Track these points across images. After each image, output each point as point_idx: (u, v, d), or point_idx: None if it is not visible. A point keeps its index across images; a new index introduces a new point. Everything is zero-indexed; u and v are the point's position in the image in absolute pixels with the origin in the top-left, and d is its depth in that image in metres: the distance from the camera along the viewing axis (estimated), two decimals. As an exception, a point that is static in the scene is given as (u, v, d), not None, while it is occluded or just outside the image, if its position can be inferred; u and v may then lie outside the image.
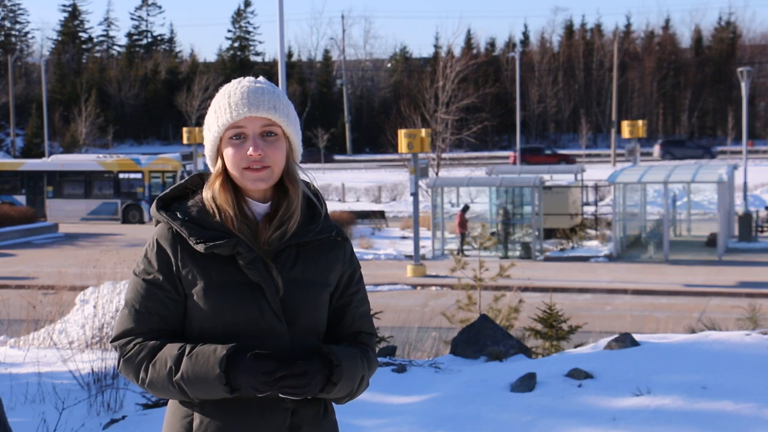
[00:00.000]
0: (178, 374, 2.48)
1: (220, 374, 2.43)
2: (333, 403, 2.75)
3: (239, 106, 2.58)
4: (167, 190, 2.69)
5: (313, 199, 2.71)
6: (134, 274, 2.63)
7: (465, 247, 27.80)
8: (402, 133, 25.95)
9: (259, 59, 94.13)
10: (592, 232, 32.04)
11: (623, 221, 28.86)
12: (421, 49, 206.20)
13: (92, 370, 7.53)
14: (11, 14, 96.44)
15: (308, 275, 2.63)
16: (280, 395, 2.49)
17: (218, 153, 2.64)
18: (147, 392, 4.51)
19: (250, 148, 2.56)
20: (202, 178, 2.72)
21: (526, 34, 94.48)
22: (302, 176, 2.71)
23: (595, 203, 36.71)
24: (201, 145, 26.52)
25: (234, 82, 2.67)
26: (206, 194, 2.62)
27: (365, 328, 2.76)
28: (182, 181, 2.73)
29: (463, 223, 28.35)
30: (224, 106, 2.60)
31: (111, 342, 2.64)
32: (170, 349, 2.51)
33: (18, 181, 39.93)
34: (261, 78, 2.69)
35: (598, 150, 76.87)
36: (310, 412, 2.62)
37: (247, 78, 2.68)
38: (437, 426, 6.01)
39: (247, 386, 2.44)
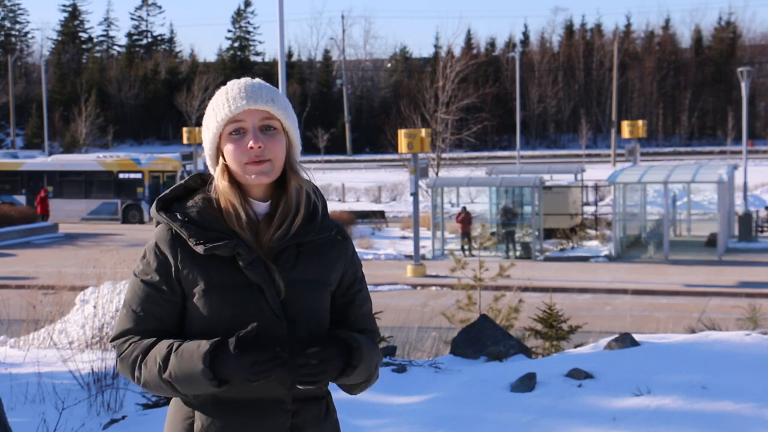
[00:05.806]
0: (167, 372, 2.48)
1: (204, 369, 2.42)
2: (335, 401, 2.74)
3: (237, 99, 2.57)
4: (167, 191, 2.67)
5: (313, 197, 2.69)
6: (134, 274, 2.63)
7: (466, 246, 27.79)
8: (402, 133, 25.94)
9: (259, 59, 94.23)
10: (592, 232, 32.03)
11: (623, 221, 28.85)
12: (421, 49, 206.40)
13: (92, 370, 7.53)
14: (11, 14, 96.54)
15: (309, 275, 2.61)
16: (298, 386, 2.47)
17: (218, 151, 2.62)
18: (146, 391, 4.49)
19: (251, 141, 2.55)
20: (202, 178, 2.71)
21: (526, 34, 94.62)
22: (302, 174, 2.69)
23: (595, 203, 36.72)
24: (201, 145, 26.51)
25: (231, 81, 2.67)
26: (218, 184, 2.60)
27: (368, 326, 2.74)
28: (182, 181, 2.71)
29: (466, 221, 28.27)
30: (222, 102, 2.60)
31: (110, 342, 2.65)
32: (160, 347, 2.51)
33: (18, 181, 39.94)
34: (257, 79, 2.69)
35: (598, 150, 76.92)
36: (311, 412, 2.61)
37: (244, 78, 2.68)
38: (437, 426, 6.00)
39: (236, 378, 2.43)
